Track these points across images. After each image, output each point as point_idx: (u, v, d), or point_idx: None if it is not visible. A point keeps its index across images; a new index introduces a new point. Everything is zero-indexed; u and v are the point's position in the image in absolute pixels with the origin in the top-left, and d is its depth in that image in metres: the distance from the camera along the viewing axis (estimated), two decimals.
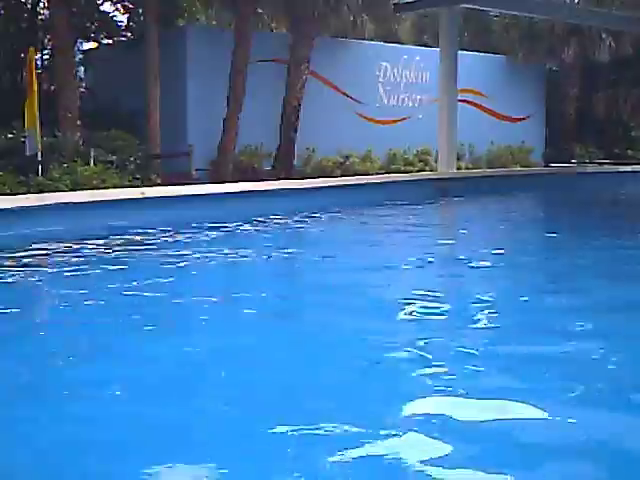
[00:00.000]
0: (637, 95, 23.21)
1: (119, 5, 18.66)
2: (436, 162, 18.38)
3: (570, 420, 3.19)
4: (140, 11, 17.79)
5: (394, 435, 3.01)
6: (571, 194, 15.29)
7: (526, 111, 24.11)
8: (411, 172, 19.24)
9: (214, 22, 22.39)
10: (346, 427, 3.06)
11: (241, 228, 9.22)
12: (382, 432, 3.02)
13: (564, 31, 23.06)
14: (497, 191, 14.41)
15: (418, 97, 21.67)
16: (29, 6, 18.96)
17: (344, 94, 20.18)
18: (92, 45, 20.34)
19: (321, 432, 3.01)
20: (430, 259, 7.44)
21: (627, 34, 22.68)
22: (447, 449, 2.87)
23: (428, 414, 3.24)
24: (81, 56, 20.34)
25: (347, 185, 12.27)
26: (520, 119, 23.94)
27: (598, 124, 25.22)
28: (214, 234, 8.74)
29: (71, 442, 3.07)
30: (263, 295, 5.85)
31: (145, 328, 4.77)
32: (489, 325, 4.80)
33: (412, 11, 19.11)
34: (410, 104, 21.63)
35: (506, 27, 24.15)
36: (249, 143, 17.79)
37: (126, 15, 18.82)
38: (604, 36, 22.74)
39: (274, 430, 3.05)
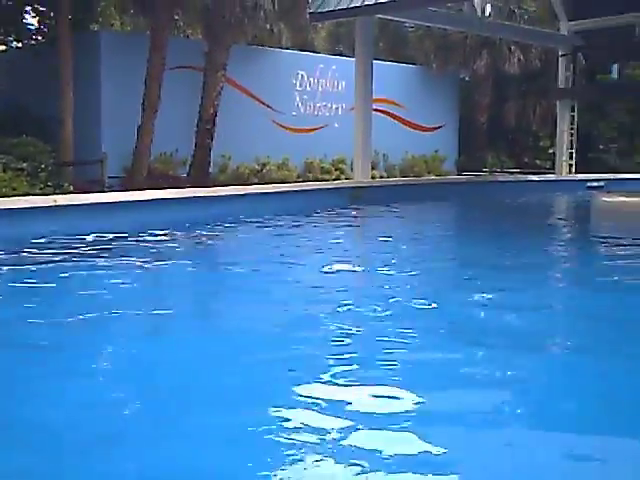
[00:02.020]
0: (545, 106, 24.00)
1: (29, 8, 18.25)
2: (352, 170, 18.59)
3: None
4: (52, 14, 17.44)
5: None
6: (482, 202, 15.68)
7: (440, 120, 24.62)
8: (328, 180, 19.43)
9: (129, 28, 22.11)
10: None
11: (143, 239, 9.04)
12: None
13: (476, 43, 23.70)
14: (411, 199, 14.69)
15: (334, 106, 21.90)
16: None
17: (261, 102, 20.23)
18: (1, 48, 19.82)
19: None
20: (336, 266, 7.50)
21: (535, 48, 23.48)
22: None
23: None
24: None
25: (263, 193, 12.30)
26: (434, 128, 24.44)
27: (509, 134, 25.97)
28: (118, 244, 8.55)
29: None
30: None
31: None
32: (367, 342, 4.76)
33: (328, 20, 19.26)
34: (326, 113, 21.84)
35: (420, 38, 24.65)
36: (164, 150, 17.65)
37: (37, 18, 18.42)
38: (513, 49, 23.49)
39: None
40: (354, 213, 12.84)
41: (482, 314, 5.41)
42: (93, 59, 17.24)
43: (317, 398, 3.56)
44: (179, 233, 9.37)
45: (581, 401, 3.66)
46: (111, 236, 8.78)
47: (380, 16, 17.44)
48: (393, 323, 5.10)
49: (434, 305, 5.67)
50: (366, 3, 14.91)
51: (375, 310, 5.38)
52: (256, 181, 18.18)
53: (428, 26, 22.08)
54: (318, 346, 4.53)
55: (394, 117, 23.23)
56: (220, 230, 9.91)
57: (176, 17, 19.35)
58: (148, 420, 3.36)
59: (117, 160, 16.54)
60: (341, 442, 3.06)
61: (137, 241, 8.75)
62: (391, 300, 5.80)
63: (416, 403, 3.55)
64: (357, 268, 7.67)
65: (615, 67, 23.08)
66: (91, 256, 7.70)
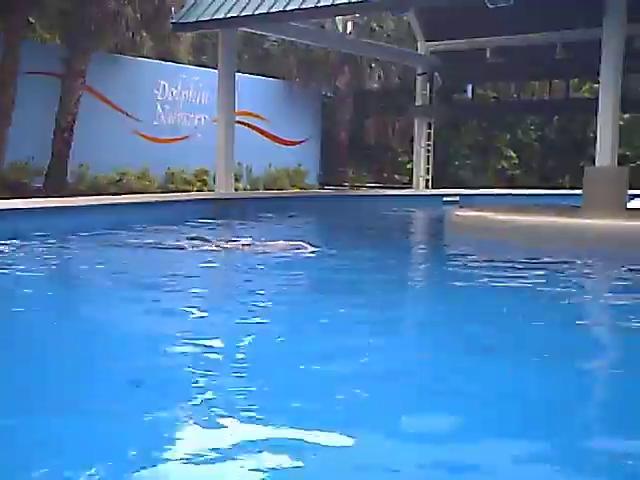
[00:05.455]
0: (403, 123, 24.80)
1: None
2: (214, 182, 18.53)
3: None
4: None
5: None
6: (342, 215, 15.98)
7: (303, 135, 24.96)
8: (190, 192, 19.30)
9: None
10: None
11: None
12: None
13: (338, 59, 24.21)
14: (273, 212, 14.83)
15: (197, 117, 21.80)
16: None
17: (121, 111, 19.86)
18: None
19: None
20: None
21: (394, 66, 24.24)
22: None
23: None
24: None
25: (118, 204, 12.04)
26: (297, 142, 24.74)
27: (369, 149, 26.65)
28: None
29: None
30: None
31: None
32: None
33: (191, 31, 19.15)
34: (189, 124, 21.70)
35: (284, 52, 24.92)
36: (19, 158, 17.01)
37: None
38: (374, 66, 24.18)
39: None
40: (216, 225, 12.75)
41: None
42: None
43: None
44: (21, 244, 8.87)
45: None
46: None
47: (244, 29, 17.55)
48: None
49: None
50: (229, 15, 14.96)
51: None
52: (114, 191, 17.80)
53: (291, 41, 22.38)
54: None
55: (257, 130, 23.36)
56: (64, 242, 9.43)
57: (32, 20, 18.73)
58: None
59: None
60: None
61: None
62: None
63: None
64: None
65: (469, 87, 24.14)
66: None
